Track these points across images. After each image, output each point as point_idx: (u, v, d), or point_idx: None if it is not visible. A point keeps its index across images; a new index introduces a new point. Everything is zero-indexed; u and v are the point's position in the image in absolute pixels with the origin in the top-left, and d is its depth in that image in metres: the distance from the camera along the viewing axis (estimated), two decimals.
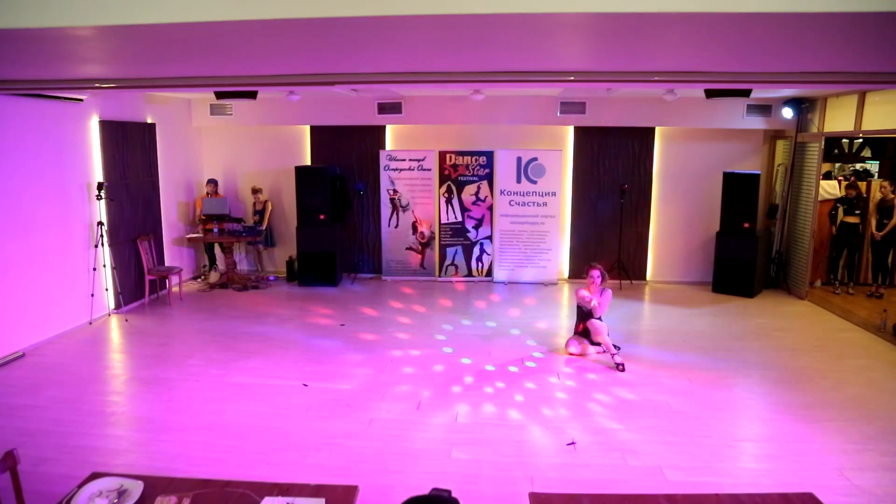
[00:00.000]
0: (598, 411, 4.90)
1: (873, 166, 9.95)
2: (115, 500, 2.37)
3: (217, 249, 9.45)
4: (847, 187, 8.50)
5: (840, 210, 8.49)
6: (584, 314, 6.33)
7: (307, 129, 9.56)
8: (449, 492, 1.84)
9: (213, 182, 9.21)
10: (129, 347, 6.54)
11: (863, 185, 8.72)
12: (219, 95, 6.93)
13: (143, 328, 7.11)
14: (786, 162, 8.86)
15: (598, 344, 6.22)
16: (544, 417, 4.78)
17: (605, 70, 4.17)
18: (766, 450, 4.32)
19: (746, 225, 8.42)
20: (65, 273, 6.82)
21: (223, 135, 9.74)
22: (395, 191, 9.36)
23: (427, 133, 9.40)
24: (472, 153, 9.25)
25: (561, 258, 9.47)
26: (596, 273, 6.25)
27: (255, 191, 9.34)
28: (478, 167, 9.26)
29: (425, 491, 1.93)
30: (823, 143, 8.13)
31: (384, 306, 8.08)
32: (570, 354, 6.21)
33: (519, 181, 9.16)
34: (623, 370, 5.77)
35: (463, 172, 9.28)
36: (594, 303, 6.17)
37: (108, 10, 2.45)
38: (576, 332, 6.37)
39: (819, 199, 8.33)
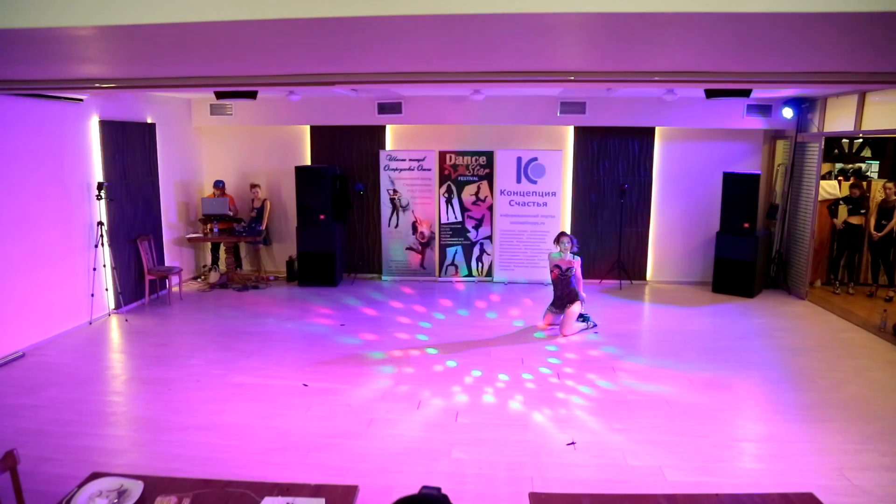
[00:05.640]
0: (598, 411, 4.90)
1: (873, 166, 9.95)
2: (115, 500, 2.37)
3: (221, 249, 9.47)
4: (851, 187, 8.49)
5: (844, 209, 8.48)
6: (561, 283, 6.86)
7: (307, 129, 9.55)
8: (439, 489, 1.84)
9: (219, 185, 9.20)
10: (129, 347, 6.54)
11: (863, 184, 8.72)
12: (219, 95, 6.93)
13: (143, 328, 7.11)
14: (786, 162, 8.86)
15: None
16: (544, 417, 4.78)
17: (605, 70, 4.17)
18: (766, 450, 4.31)
19: (746, 225, 8.42)
20: (65, 273, 6.82)
21: (223, 135, 9.73)
22: (395, 191, 9.36)
23: (427, 133, 9.40)
24: (472, 153, 9.25)
25: None
26: (566, 240, 6.85)
27: (253, 186, 9.32)
28: (478, 167, 9.26)
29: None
30: (823, 143, 8.13)
31: (384, 306, 8.08)
32: (550, 326, 6.94)
33: (519, 181, 9.16)
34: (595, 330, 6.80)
35: (463, 172, 9.28)
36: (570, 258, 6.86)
37: (108, 10, 2.45)
38: (553, 304, 6.98)
39: (819, 199, 8.33)
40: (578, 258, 6.92)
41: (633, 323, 7.45)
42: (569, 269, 6.83)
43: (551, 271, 7.00)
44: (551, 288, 7.22)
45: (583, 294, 6.96)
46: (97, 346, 6.56)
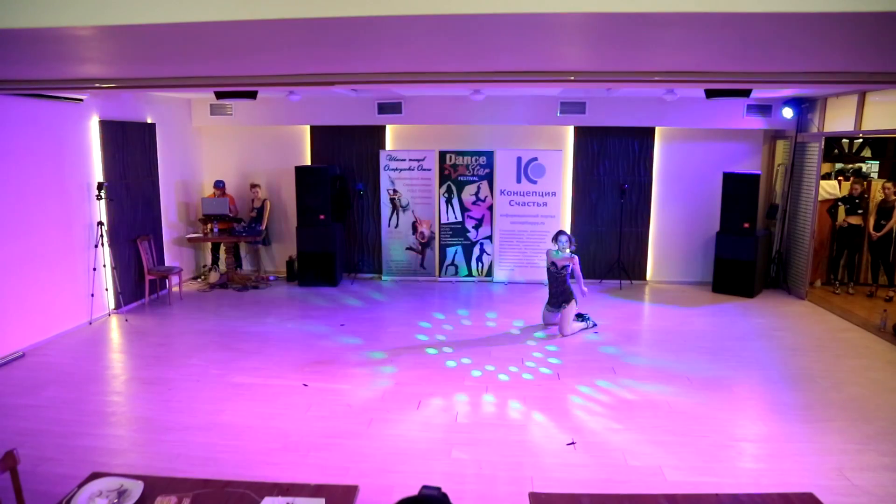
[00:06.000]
0: (597, 411, 4.90)
1: (873, 166, 9.95)
2: (115, 500, 2.37)
3: (221, 249, 9.47)
4: (852, 184, 8.48)
5: (842, 209, 8.49)
6: (556, 282, 6.86)
7: (307, 129, 9.56)
8: (439, 489, 1.84)
9: (219, 185, 9.20)
10: (129, 347, 6.54)
11: (864, 183, 8.72)
12: (219, 95, 6.92)
13: (143, 328, 7.11)
14: (786, 162, 8.86)
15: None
16: (544, 417, 4.78)
17: (605, 70, 4.17)
18: (766, 450, 4.32)
19: (746, 225, 8.42)
20: (65, 273, 6.82)
21: (223, 135, 9.73)
22: (395, 191, 9.36)
23: (427, 133, 9.40)
24: (472, 153, 9.25)
25: None
26: (564, 238, 6.87)
27: (253, 186, 9.32)
28: (478, 167, 9.26)
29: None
30: (823, 143, 8.13)
31: (384, 306, 8.07)
32: (550, 325, 7.00)
33: (519, 181, 9.16)
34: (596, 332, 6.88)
35: (463, 172, 9.28)
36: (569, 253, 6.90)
37: (108, 10, 2.45)
38: (549, 303, 7.01)
39: (819, 199, 8.32)
40: (576, 256, 6.93)
41: (633, 323, 7.45)
42: (564, 266, 6.84)
43: (548, 269, 7.01)
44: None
45: (584, 289, 6.99)
46: (97, 346, 6.56)
